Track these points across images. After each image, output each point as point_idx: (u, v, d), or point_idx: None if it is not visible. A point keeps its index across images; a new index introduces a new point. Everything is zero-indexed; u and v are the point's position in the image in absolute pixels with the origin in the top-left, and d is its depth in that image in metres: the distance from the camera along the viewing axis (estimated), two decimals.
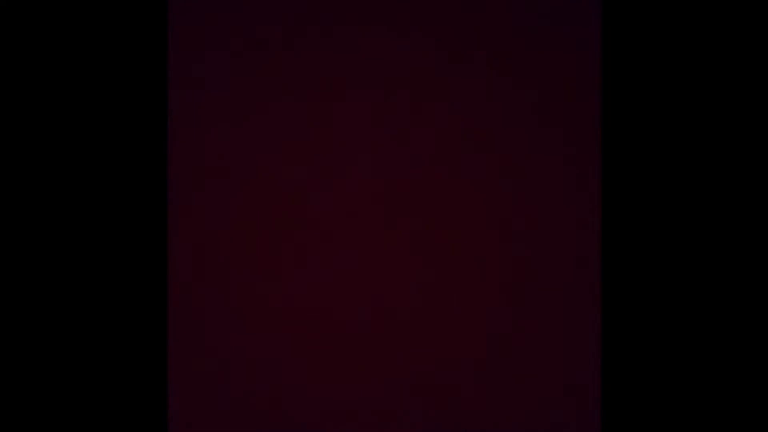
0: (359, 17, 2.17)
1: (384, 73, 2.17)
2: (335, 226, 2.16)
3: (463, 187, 2.16)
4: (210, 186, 2.15)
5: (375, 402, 2.15)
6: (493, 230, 2.16)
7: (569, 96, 2.17)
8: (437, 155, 2.16)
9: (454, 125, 2.16)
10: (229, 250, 2.15)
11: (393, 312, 2.15)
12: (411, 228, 2.16)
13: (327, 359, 2.15)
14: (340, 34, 2.17)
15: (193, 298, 2.15)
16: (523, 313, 2.16)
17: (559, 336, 2.15)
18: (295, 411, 2.15)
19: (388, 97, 2.16)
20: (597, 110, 2.17)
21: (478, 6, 2.17)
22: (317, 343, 2.15)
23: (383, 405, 2.15)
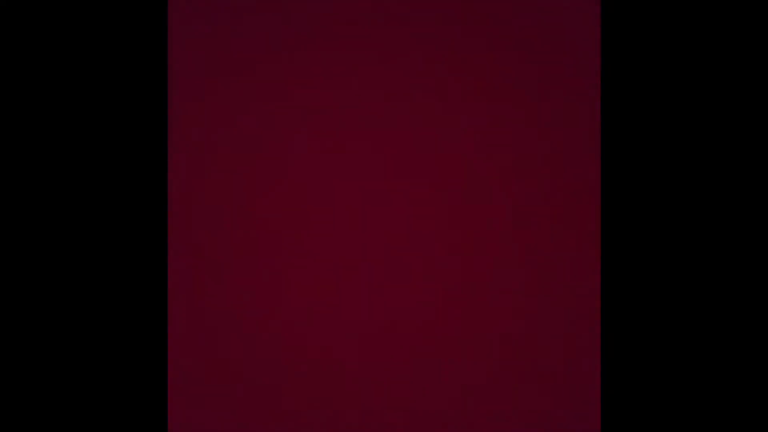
0: (360, 16, 2.18)
1: (385, 74, 2.17)
2: (336, 226, 2.16)
3: (463, 187, 2.17)
4: (210, 186, 2.16)
5: (374, 402, 2.15)
6: (493, 232, 2.16)
7: (570, 95, 2.17)
8: (438, 155, 2.16)
9: (455, 125, 2.17)
10: (229, 250, 2.15)
11: (392, 313, 2.16)
12: (410, 228, 2.16)
13: (327, 359, 2.15)
14: (341, 33, 2.17)
15: (193, 299, 2.15)
16: (523, 313, 2.16)
17: (559, 336, 2.16)
18: (295, 412, 2.15)
19: (390, 97, 2.16)
20: (597, 109, 2.17)
21: (478, 7, 2.18)
22: (318, 343, 2.15)
23: (382, 405, 2.15)
